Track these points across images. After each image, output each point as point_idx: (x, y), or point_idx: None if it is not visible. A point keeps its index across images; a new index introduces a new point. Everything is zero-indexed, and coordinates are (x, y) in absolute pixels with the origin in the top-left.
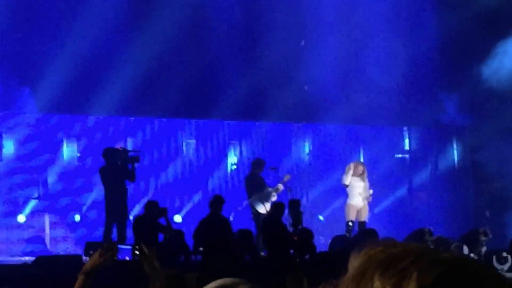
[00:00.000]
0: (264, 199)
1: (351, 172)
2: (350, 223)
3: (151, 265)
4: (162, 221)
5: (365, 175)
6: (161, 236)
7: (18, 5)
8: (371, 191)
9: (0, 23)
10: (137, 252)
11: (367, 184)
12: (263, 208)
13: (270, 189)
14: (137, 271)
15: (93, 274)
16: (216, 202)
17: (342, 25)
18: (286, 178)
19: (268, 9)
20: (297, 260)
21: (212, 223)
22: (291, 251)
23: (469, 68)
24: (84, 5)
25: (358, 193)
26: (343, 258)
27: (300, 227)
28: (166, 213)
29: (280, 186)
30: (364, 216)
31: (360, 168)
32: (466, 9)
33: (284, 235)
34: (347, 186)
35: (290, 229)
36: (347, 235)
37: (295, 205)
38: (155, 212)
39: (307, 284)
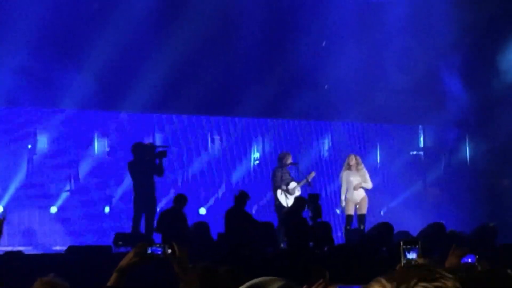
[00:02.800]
0: (288, 192)
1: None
2: (349, 217)
3: (182, 265)
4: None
5: (361, 166)
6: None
7: (54, 6)
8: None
9: (37, 21)
10: (168, 251)
11: (365, 173)
12: (286, 201)
13: (295, 182)
14: (167, 269)
15: (127, 272)
16: (241, 197)
17: (361, 27)
18: (311, 175)
19: (291, 11)
20: (317, 252)
21: (236, 216)
22: (311, 243)
23: (483, 69)
24: (116, 6)
25: (356, 186)
26: (359, 250)
27: (319, 220)
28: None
29: (309, 178)
30: (364, 209)
31: (353, 161)
32: (482, 10)
33: (304, 228)
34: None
35: (310, 222)
36: (348, 227)
37: (314, 199)
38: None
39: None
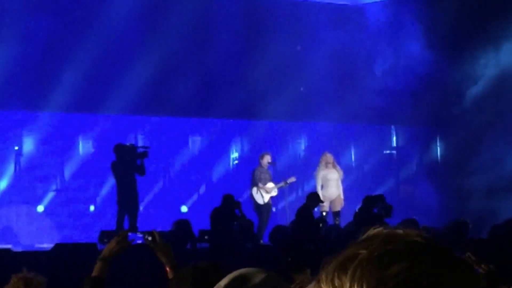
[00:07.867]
0: (264, 191)
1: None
2: (324, 214)
3: (166, 253)
4: (237, 212)
5: (336, 164)
6: (236, 225)
7: (38, 10)
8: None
9: (23, 24)
10: (149, 239)
11: (341, 172)
12: (261, 199)
13: (273, 183)
14: (151, 257)
15: (110, 260)
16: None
17: (335, 31)
18: (291, 180)
19: (267, 16)
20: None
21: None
22: None
23: (453, 69)
24: (98, 10)
25: (332, 184)
26: (337, 247)
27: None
28: (240, 206)
29: (288, 181)
30: (338, 206)
31: (330, 159)
32: (453, 11)
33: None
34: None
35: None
36: (321, 225)
37: (382, 198)
38: (231, 204)
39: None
